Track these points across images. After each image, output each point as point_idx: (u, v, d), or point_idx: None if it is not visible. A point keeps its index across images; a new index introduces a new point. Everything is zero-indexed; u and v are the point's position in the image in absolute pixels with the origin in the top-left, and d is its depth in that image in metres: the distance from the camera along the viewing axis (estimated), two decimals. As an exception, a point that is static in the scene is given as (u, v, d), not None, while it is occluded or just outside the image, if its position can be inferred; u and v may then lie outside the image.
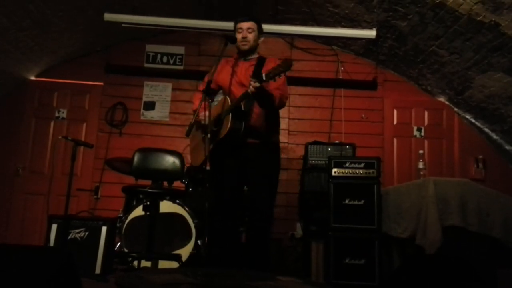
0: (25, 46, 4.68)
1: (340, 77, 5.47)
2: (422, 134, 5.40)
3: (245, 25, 3.11)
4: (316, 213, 4.09)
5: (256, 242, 2.98)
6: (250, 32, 3.11)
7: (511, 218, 3.25)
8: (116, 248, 3.71)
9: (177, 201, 3.80)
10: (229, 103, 2.94)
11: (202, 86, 3.22)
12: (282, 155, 5.29)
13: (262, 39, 3.22)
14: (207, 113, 2.78)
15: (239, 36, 3.10)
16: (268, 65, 2.99)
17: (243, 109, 2.94)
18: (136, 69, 5.44)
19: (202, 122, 2.93)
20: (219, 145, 2.95)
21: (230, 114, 2.89)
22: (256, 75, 2.80)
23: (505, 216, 3.23)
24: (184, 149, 4.62)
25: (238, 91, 3.02)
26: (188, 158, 3.77)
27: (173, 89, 5.42)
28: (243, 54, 3.16)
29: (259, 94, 2.84)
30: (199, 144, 3.15)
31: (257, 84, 2.75)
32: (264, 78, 2.74)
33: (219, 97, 3.35)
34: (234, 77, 3.10)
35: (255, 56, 3.18)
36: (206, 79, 3.22)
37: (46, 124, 5.32)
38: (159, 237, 3.55)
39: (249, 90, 2.79)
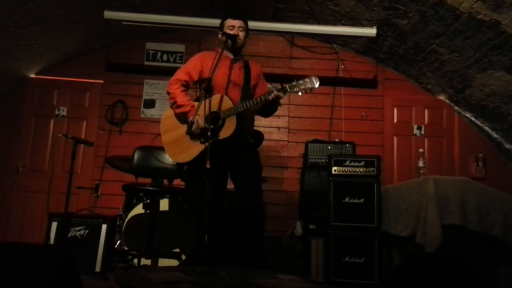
0: (25, 44, 4.67)
1: (340, 75, 5.47)
2: (422, 132, 5.39)
3: (237, 23, 3.12)
4: (316, 212, 4.08)
5: (255, 238, 2.99)
6: (241, 31, 3.13)
7: (511, 217, 3.25)
8: (116, 246, 3.72)
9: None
10: (230, 103, 2.93)
11: (183, 76, 3.15)
12: (283, 153, 5.37)
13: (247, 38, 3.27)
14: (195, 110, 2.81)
15: (229, 32, 3.09)
16: (254, 69, 3.18)
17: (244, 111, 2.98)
18: (136, 67, 5.43)
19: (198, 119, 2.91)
20: (217, 144, 2.92)
21: (235, 116, 2.91)
22: (281, 86, 2.92)
23: (505, 215, 3.23)
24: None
25: (232, 91, 3.07)
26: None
27: (173, 87, 5.41)
28: (234, 52, 3.16)
29: (274, 102, 2.99)
30: (184, 139, 3.01)
31: (281, 95, 2.90)
32: (288, 89, 2.89)
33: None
34: (230, 76, 3.10)
35: (241, 57, 3.23)
36: (188, 70, 3.15)
37: (46, 122, 5.31)
38: (159, 235, 3.55)
39: (269, 97, 2.90)
